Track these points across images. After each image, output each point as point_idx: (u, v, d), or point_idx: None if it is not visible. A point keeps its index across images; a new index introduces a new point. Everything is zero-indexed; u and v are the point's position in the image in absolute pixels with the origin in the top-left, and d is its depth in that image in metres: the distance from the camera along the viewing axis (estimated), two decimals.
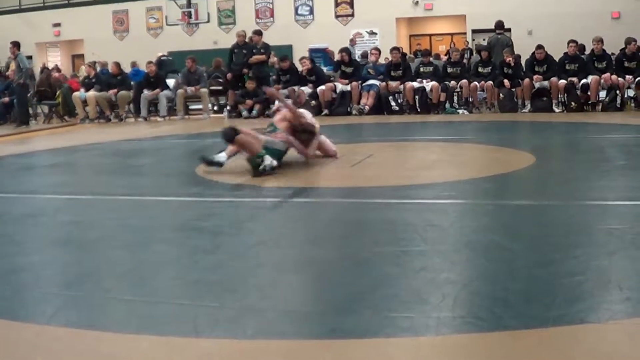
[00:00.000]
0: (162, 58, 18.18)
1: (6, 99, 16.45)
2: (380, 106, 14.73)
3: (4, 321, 3.15)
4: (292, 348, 2.76)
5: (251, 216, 5.24)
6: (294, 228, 4.91)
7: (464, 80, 14.37)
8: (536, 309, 2.99)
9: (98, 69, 17.41)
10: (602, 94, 13.44)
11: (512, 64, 14.12)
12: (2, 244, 4.66)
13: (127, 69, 17.88)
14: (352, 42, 20.99)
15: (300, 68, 15.70)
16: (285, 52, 19.16)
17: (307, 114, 7.99)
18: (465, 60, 16.98)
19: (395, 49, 15.49)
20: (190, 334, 2.89)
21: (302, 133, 7.63)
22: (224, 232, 4.72)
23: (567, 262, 3.55)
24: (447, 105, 14.55)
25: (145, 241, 4.60)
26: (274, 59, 16.86)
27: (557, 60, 13.90)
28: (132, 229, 4.96)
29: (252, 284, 3.55)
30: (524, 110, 13.72)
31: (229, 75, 16.10)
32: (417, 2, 24.07)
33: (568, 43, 13.78)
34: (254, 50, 15.94)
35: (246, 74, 15.80)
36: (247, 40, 16.37)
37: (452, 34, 25.20)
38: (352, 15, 24.59)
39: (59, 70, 22.19)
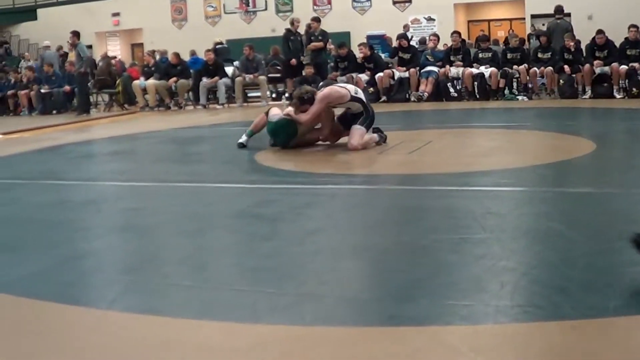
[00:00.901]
0: (218, 46, 18.23)
1: (67, 88, 16.72)
2: (439, 93, 14.62)
3: (67, 306, 3.22)
4: (350, 335, 2.77)
5: (309, 203, 5.26)
6: (352, 215, 4.92)
7: (523, 66, 14.17)
8: (596, 299, 2.95)
9: (157, 57, 17.60)
10: None
11: (573, 49, 13.87)
12: (64, 230, 4.76)
13: (185, 57, 18.03)
14: (406, 28, 20.86)
15: (358, 55, 15.66)
16: (342, 39, 19.10)
17: (349, 88, 8.15)
18: (525, 46, 16.73)
19: (456, 33, 15.31)
20: (249, 320, 2.92)
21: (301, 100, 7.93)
22: (282, 218, 4.75)
23: (627, 251, 3.48)
24: (506, 91, 14.37)
25: (204, 228, 4.66)
26: (331, 46, 16.84)
27: (617, 45, 13.60)
28: (191, 216, 5.02)
29: (310, 271, 3.57)
30: (584, 97, 13.47)
31: (293, 61, 16.03)
32: None
33: (629, 28, 13.46)
34: (311, 37, 15.95)
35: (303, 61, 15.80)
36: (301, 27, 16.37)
37: (510, 19, 24.85)
38: (410, 1, 24.40)
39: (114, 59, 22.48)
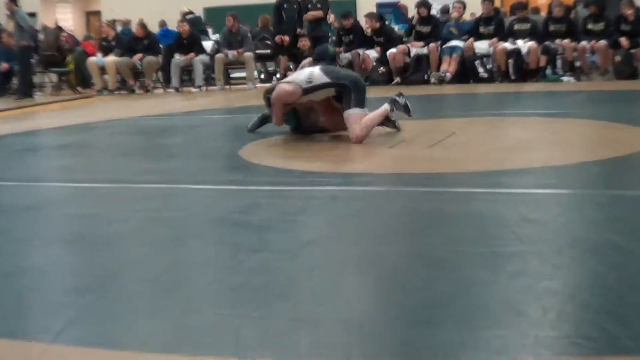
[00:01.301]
0: (187, 16, 18.16)
1: (5, 66, 16.53)
2: (465, 73, 14.66)
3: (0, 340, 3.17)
4: None
5: (305, 207, 5.26)
6: (357, 222, 4.92)
7: (567, 40, 14.17)
8: None
9: (119, 29, 17.64)
10: None
11: (632, 19, 13.89)
12: None
13: (154, 29, 18.05)
14: None
15: (365, 27, 15.69)
16: (347, 7, 19.15)
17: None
18: (572, 15, 16.74)
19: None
20: (232, 353, 2.91)
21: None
22: (272, 226, 4.75)
23: None
24: (549, 71, 14.40)
25: (177, 238, 4.65)
26: (332, 17, 16.88)
27: None
28: (161, 224, 5.02)
29: (306, 289, 3.57)
30: None
31: (278, 38, 16.09)
32: None
33: None
34: (309, 5, 15.97)
35: (300, 34, 15.80)
36: None
37: None
38: None
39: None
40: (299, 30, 15.88)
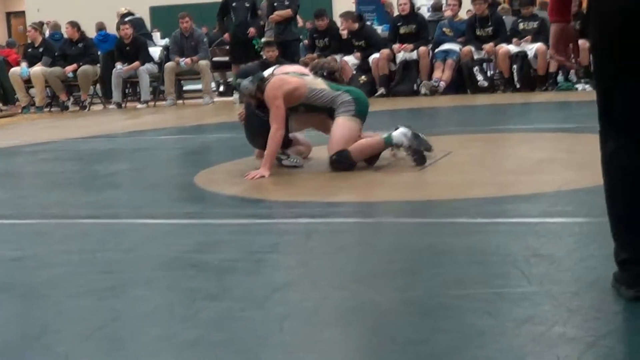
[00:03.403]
0: (126, 19, 18.05)
1: None
2: (462, 81, 14.72)
3: None
4: None
5: (276, 244, 5.26)
6: (338, 261, 4.92)
7: (582, 41, 14.28)
8: None
9: (47, 33, 17.59)
10: None
11: None
12: None
13: (90, 32, 18.02)
14: None
15: (341, 28, 15.74)
16: (321, 4, 19.24)
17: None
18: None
19: None
20: None
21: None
22: (236, 268, 4.75)
23: None
24: (560, 77, 14.48)
25: (121, 285, 4.64)
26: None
27: None
28: (101, 267, 5.00)
29: (277, 344, 3.57)
30: None
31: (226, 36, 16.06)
32: None
33: None
34: (275, 4, 15.98)
35: (254, 37, 15.78)
36: None
37: None
38: None
39: None
40: (251, 30, 15.81)
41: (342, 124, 7.54)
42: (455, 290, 4.07)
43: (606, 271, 4.28)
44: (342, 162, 7.43)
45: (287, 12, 15.91)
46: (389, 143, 7.46)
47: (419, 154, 7.45)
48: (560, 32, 4.04)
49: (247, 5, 16.12)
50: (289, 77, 7.83)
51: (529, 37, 14.51)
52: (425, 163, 7.43)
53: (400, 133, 7.42)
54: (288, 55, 15.54)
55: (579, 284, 4.14)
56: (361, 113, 7.62)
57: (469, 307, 3.81)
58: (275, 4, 16.04)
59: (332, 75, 8.07)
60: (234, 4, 16.12)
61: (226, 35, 16.22)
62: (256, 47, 15.77)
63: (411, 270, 4.60)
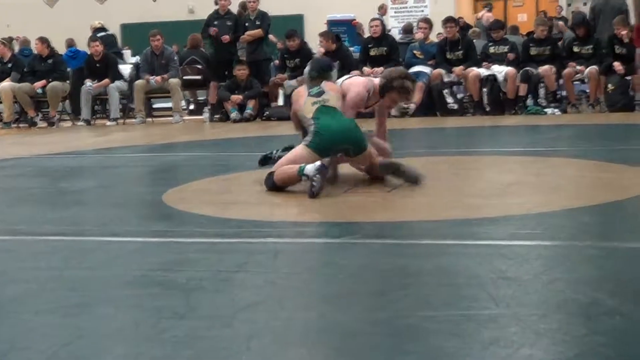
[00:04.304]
0: (99, 34, 17.97)
1: None
2: (432, 104, 14.77)
3: None
4: None
5: (244, 264, 5.24)
6: (305, 281, 4.92)
7: (547, 66, 14.32)
8: None
9: (16, 48, 17.53)
10: None
11: (627, 40, 14.08)
12: None
13: (60, 49, 17.97)
14: (383, 9, 21.08)
15: (316, 48, 15.75)
16: (292, 25, 19.26)
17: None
18: (557, 35, 17.00)
19: (450, 21, 15.49)
20: None
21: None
22: (203, 287, 4.72)
23: None
24: (530, 101, 14.55)
25: (86, 303, 4.61)
26: (272, 36, 16.94)
27: None
28: (66, 285, 4.97)
29: None
30: None
31: (224, 37, 16.04)
32: None
33: None
34: (246, 24, 16.01)
35: (231, 43, 15.79)
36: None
37: None
38: None
39: None
40: (224, 37, 15.75)
41: (294, 149, 7.70)
42: (422, 312, 4.08)
43: (573, 294, 4.31)
44: (265, 181, 7.60)
45: (258, 31, 15.93)
46: (300, 173, 7.41)
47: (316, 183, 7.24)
48: None
49: (229, 24, 16.14)
50: (301, 90, 8.15)
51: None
52: (314, 194, 7.20)
53: (312, 165, 7.30)
54: (259, 74, 15.58)
55: (546, 307, 4.15)
56: (318, 146, 7.51)
57: (436, 329, 3.81)
58: (246, 24, 16.06)
59: (387, 87, 8.09)
60: (215, 22, 16.14)
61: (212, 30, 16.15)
62: (234, 64, 15.81)
63: (379, 291, 4.59)
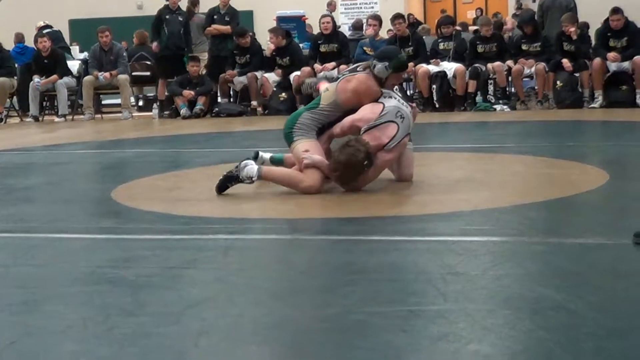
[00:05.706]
0: (45, 31, 17.83)
1: None
2: None
3: None
4: None
5: (193, 260, 5.23)
6: (255, 277, 4.91)
7: (498, 63, 14.40)
8: None
9: None
10: None
11: (575, 37, 14.17)
12: None
13: (8, 44, 17.83)
14: (331, 6, 21.09)
15: (266, 45, 15.74)
16: (243, 21, 19.20)
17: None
18: (505, 32, 17.09)
19: (399, 18, 15.51)
20: None
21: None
22: (151, 284, 4.71)
23: None
24: (479, 98, 14.62)
25: (33, 300, 4.58)
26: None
27: None
28: (11, 282, 4.94)
29: None
30: (592, 105, 13.80)
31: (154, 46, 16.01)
32: None
33: None
34: (214, 17, 15.92)
35: (185, 54, 15.81)
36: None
37: None
38: None
39: None
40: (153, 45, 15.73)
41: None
42: (371, 308, 4.08)
43: (520, 289, 4.34)
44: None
45: (227, 28, 15.92)
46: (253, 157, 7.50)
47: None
48: None
49: (180, 19, 16.08)
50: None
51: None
52: (223, 189, 7.25)
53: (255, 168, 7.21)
54: (221, 70, 15.54)
55: (493, 302, 4.18)
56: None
57: (385, 325, 3.82)
58: (215, 17, 16.04)
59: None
60: (167, 17, 16.06)
61: (154, 46, 16.09)
62: (185, 61, 15.78)
63: (328, 287, 4.60)
